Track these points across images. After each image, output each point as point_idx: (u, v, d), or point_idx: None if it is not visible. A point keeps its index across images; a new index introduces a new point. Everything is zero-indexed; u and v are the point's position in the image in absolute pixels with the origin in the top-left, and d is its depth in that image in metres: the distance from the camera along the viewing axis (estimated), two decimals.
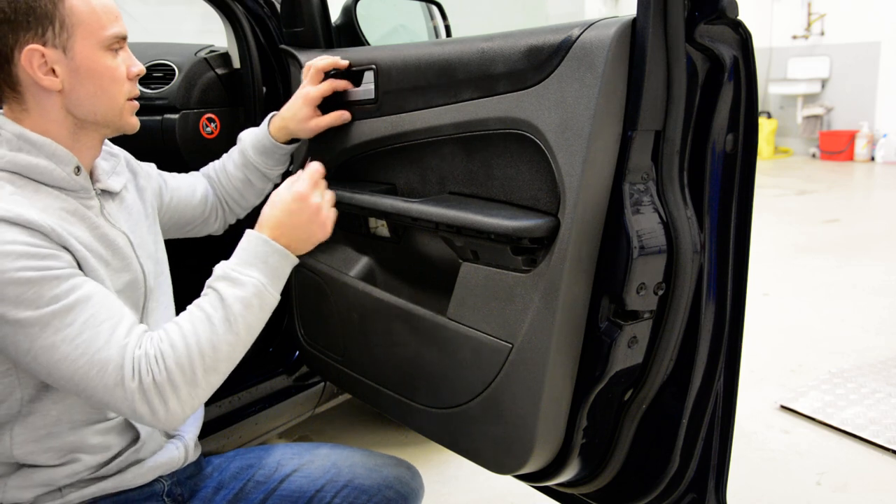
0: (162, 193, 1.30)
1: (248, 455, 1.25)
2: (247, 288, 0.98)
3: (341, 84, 1.37)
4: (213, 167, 1.44)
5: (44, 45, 0.94)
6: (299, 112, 1.35)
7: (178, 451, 1.14)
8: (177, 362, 0.92)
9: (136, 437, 1.08)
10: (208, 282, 1.00)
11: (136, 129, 1.08)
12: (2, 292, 0.86)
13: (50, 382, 0.92)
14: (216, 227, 1.45)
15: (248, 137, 1.40)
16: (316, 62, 1.36)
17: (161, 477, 1.12)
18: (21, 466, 1.00)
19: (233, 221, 1.47)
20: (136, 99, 1.07)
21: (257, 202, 1.45)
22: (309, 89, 1.35)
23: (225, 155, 1.44)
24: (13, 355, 0.90)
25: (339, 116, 1.37)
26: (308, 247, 1.08)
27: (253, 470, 1.21)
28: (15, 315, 0.86)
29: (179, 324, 0.96)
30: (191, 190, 1.38)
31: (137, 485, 1.08)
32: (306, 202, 1.06)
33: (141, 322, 1.09)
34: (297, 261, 1.06)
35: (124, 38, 1.03)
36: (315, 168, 1.11)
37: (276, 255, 1.02)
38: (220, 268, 1.00)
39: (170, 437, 1.16)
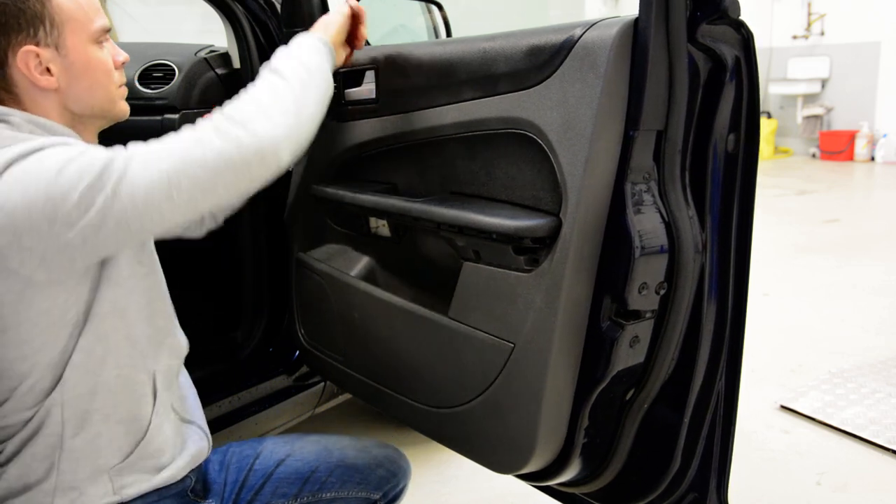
0: None
1: (242, 447, 1.28)
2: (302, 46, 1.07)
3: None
4: None
5: (37, 45, 0.96)
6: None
7: (202, 441, 1.16)
8: (240, 103, 0.94)
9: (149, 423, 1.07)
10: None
11: (128, 114, 1.09)
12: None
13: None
14: (189, 230, 1.36)
15: None
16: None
17: (190, 472, 1.13)
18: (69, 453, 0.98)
19: (211, 225, 1.38)
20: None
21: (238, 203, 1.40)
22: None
23: None
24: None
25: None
26: (342, 54, 1.20)
27: (250, 460, 1.25)
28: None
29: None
30: None
31: (179, 478, 1.10)
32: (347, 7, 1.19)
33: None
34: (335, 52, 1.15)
35: (108, 31, 1.05)
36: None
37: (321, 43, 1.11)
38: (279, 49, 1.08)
39: (185, 421, 1.15)
